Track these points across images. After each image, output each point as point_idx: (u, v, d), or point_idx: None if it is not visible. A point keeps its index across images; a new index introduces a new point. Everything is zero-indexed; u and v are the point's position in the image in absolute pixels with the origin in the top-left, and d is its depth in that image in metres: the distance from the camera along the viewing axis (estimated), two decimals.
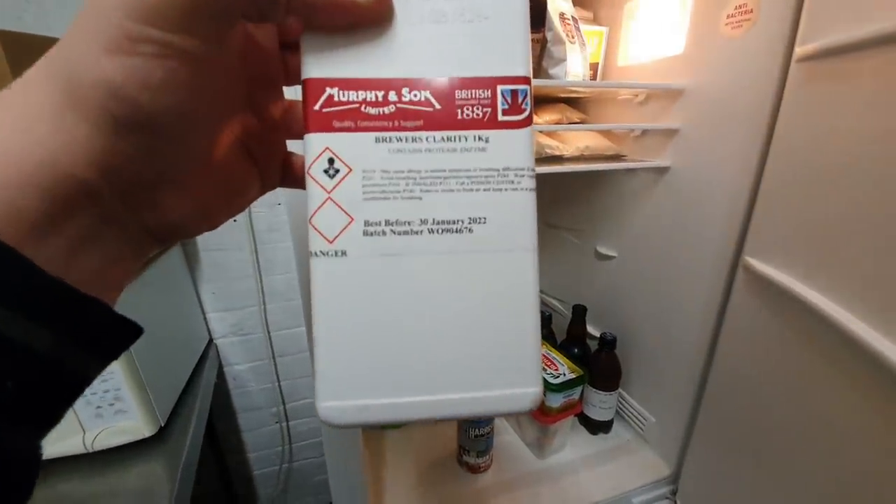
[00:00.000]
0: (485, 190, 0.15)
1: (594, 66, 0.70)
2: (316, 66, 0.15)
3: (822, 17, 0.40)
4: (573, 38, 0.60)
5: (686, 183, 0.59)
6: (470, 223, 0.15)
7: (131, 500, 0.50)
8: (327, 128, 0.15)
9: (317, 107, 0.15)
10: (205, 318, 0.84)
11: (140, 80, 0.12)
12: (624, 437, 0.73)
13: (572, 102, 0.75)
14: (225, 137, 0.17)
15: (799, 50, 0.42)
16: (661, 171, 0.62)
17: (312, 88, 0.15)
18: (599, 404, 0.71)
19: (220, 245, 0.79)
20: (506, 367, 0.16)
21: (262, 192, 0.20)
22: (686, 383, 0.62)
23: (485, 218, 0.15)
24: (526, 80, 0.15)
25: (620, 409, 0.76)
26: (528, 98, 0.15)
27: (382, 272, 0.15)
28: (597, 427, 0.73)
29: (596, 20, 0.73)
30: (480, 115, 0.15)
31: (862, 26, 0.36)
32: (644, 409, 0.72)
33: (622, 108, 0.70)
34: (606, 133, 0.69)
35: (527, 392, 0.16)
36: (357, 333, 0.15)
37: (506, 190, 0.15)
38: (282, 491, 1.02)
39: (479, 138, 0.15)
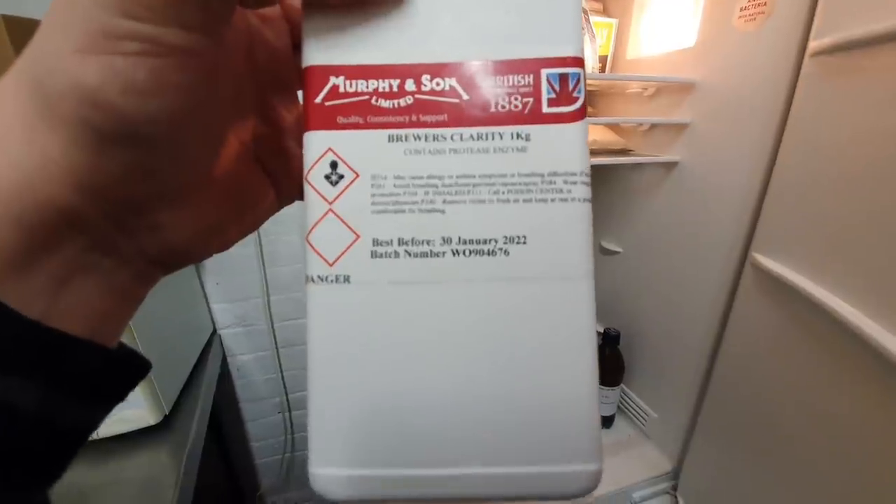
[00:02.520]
0: (525, 201, 0.12)
1: (603, 59, 0.69)
2: (319, 51, 0.12)
3: (838, 10, 0.39)
4: (582, 29, 0.59)
5: (695, 178, 0.58)
6: (505, 243, 0.12)
7: (136, 487, 0.50)
8: (330, 124, 0.12)
9: (318, 99, 0.12)
10: (209, 309, 0.84)
11: (121, 83, 0.10)
12: (625, 433, 0.73)
13: None
14: (231, 147, 0.15)
15: (813, 44, 0.41)
16: (670, 166, 0.62)
17: (315, 78, 0.12)
18: (602, 399, 0.70)
19: None
20: (553, 436, 0.12)
21: (280, 207, 0.17)
22: (689, 379, 0.61)
23: (524, 236, 0.12)
24: (578, 62, 0.12)
25: (622, 404, 0.75)
26: (581, 84, 0.12)
27: (394, 304, 0.12)
28: None
29: (606, 11, 0.71)
30: (520, 106, 0.12)
31: (878, 21, 0.35)
32: (646, 405, 0.71)
33: (631, 101, 0.69)
34: (614, 127, 0.68)
35: (582, 470, 0.12)
36: (361, 382, 0.12)
37: (552, 200, 0.12)
38: (285, 480, 1.03)
39: (519, 135, 0.12)
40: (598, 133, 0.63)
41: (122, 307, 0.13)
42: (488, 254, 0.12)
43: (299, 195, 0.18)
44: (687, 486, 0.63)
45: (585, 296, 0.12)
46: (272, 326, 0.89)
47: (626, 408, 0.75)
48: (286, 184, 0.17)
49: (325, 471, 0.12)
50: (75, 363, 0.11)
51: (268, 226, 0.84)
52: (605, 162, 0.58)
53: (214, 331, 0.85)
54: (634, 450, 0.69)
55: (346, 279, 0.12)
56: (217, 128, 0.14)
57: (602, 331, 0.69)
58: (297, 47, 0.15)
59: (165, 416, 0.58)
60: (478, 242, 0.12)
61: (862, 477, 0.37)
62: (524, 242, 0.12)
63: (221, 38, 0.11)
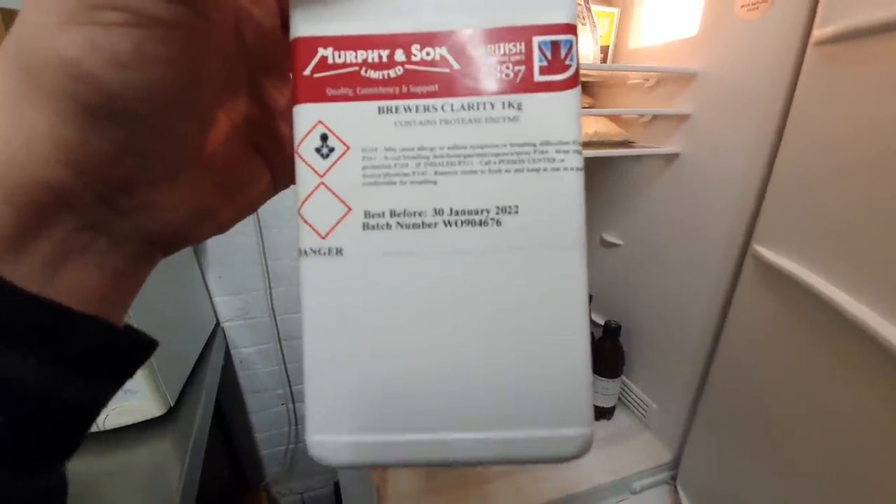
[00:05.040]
0: (517, 171, 0.12)
1: (604, 49, 0.68)
2: (306, 22, 0.12)
3: None
4: (584, 19, 0.58)
5: (696, 170, 0.58)
6: (498, 213, 0.12)
7: (142, 477, 0.51)
8: (320, 97, 0.12)
9: (307, 72, 0.12)
10: (211, 302, 0.84)
11: (103, 55, 0.09)
12: (625, 423, 0.73)
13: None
14: (222, 128, 0.15)
15: (817, 33, 0.41)
16: (671, 157, 0.61)
17: (302, 50, 0.12)
18: (602, 391, 0.71)
19: None
20: (546, 402, 0.12)
21: (276, 191, 0.17)
22: (689, 371, 0.62)
23: (517, 206, 0.12)
24: (570, 29, 0.12)
25: (622, 395, 0.75)
26: (573, 52, 0.12)
27: (387, 275, 0.12)
28: (599, 413, 0.73)
29: (607, 1, 0.71)
30: (511, 75, 0.12)
31: (883, 9, 0.34)
32: (646, 396, 0.72)
33: (632, 92, 0.69)
34: (615, 118, 0.67)
35: (574, 434, 0.12)
36: (356, 352, 0.12)
37: (544, 170, 0.12)
38: (288, 470, 1.04)
39: (510, 105, 0.12)
40: (598, 124, 0.62)
41: (121, 288, 0.13)
42: (480, 224, 0.12)
43: (294, 179, 0.18)
44: (686, 476, 0.64)
45: (578, 264, 0.12)
46: (274, 319, 0.90)
47: (627, 399, 0.76)
48: (280, 166, 0.17)
49: (320, 438, 0.12)
50: (75, 338, 0.11)
51: (268, 218, 0.85)
52: (606, 154, 0.58)
53: (217, 324, 0.86)
54: (634, 440, 0.70)
55: (339, 251, 0.12)
56: (205, 106, 0.13)
57: (602, 323, 0.69)
58: (285, 27, 0.15)
59: (170, 407, 0.59)
60: (470, 213, 0.12)
61: (861, 468, 0.37)
62: (516, 212, 0.12)
63: (205, 13, 0.11)
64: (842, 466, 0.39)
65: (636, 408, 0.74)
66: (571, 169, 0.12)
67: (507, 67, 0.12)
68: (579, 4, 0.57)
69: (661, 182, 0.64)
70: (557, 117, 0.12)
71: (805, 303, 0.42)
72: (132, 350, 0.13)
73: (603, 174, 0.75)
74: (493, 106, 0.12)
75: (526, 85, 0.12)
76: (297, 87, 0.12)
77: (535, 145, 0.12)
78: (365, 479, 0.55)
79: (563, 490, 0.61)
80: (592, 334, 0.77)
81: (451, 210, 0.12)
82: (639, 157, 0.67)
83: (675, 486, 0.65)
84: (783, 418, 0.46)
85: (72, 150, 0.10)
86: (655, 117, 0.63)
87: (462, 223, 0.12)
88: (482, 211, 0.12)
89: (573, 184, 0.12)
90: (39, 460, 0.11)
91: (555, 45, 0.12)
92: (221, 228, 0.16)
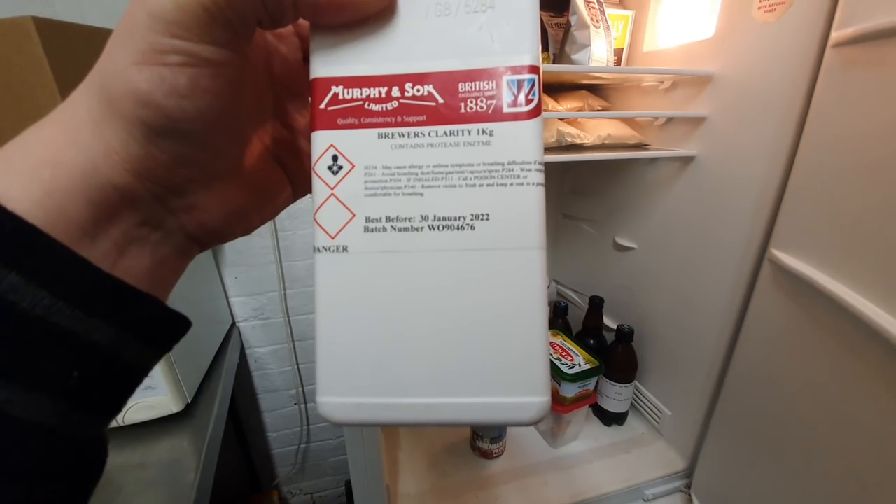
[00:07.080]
0: (488, 185, 0.15)
1: (618, 52, 0.68)
2: (323, 65, 0.15)
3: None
4: (598, 22, 0.59)
5: (712, 173, 0.58)
6: (472, 220, 0.15)
7: (161, 470, 0.53)
8: (332, 125, 0.15)
9: (322, 105, 0.15)
10: (228, 302, 0.87)
11: (166, 88, 0.12)
12: (638, 430, 0.73)
13: (595, 90, 0.73)
14: (255, 146, 0.18)
15: (835, 34, 0.41)
16: (686, 160, 0.61)
17: (319, 87, 0.15)
18: (615, 396, 0.71)
19: None
20: (510, 374, 0.15)
21: (294, 199, 0.21)
22: (704, 377, 0.61)
23: (487, 214, 0.15)
24: (533, 70, 0.15)
25: (635, 401, 0.75)
26: (536, 88, 0.15)
27: (383, 268, 0.15)
28: (611, 419, 0.73)
29: (622, 3, 0.71)
30: (485, 107, 0.15)
31: None
32: (660, 402, 0.71)
33: (647, 95, 0.69)
34: (629, 121, 0.67)
35: (532, 402, 0.15)
36: (357, 330, 0.15)
37: (510, 185, 0.15)
38: (299, 470, 1.06)
39: (483, 132, 0.15)
40: (612, 127, 0.62)
41: (167, 275, 0.16)
42: (458, 228, 0.15)
43: (309, 189, 0.21)
44: (700, 484, 0.63)
45: (537, 262, 0.15)
46: (288, 320, 0.92)
47: (640, 405, 0.75)
48: (300, 179, 0.20)
49: (327, 399, 0.15)
50: (140, 311, 0.14)
51: (283, 221, 0.87)
52: (620, 156, 0.58)
53: (233, 323, 0.88)
54: (647, 447, 0.70)
55: (345, 249, 0.15)
56: (242, 128, 0.17)
57: (615, 327, 0.69)
58: (306, 59, 0.18)
59: (188, 404, 0.60)
60: (449, 219, 0.15)
61: (880, 478, 0.37)
62: (487, 219, 0.15)
63: (244, 53, 0.14)
64: (861, 475, 0.39)
65: (649, 414, 0.73)
66: (533, 184, 0.15)
67: (482, 101, 0.15)
68: (594, 8, 0.58)
69: (676, 185, 0.64)
70: (522, 142, 0.15)
71: (824, 308, 0.41)
72: (177, 326, 0.15)
73: (617, 177, 0.75)
74: (469, 132, 0.15)
75: (496, 115, 0.15)
76: (315, 118, 0.15)
77: (503, 164, 0.15)
78: (376, 480, 0.56)
79: (573, 496, 0.61)
80: (605, 339, 0.76)
81: (434, 217, 0.15)
82: (653, 160, 0.67)
83: (689, 495, 0.64)
84: (801, 426, 0.45)
85: (137, 162, 0.13)
86: (671, 120, 0.63)
87: (443, 227, 0.15)
88: (459, 217, 0.15)
89: (534, 196, 0.15)
90: (99, 412, 0.13)
91: (520, 83, 0.15)
92: (248, 230, 0.19)
